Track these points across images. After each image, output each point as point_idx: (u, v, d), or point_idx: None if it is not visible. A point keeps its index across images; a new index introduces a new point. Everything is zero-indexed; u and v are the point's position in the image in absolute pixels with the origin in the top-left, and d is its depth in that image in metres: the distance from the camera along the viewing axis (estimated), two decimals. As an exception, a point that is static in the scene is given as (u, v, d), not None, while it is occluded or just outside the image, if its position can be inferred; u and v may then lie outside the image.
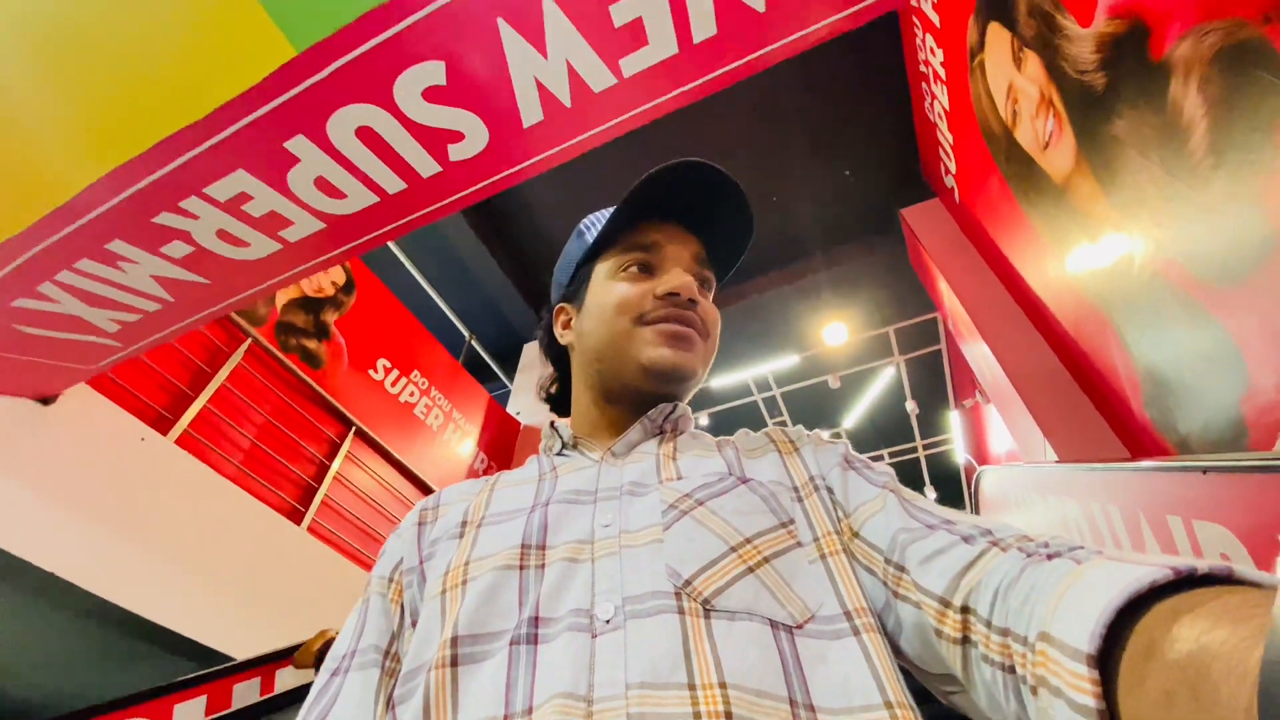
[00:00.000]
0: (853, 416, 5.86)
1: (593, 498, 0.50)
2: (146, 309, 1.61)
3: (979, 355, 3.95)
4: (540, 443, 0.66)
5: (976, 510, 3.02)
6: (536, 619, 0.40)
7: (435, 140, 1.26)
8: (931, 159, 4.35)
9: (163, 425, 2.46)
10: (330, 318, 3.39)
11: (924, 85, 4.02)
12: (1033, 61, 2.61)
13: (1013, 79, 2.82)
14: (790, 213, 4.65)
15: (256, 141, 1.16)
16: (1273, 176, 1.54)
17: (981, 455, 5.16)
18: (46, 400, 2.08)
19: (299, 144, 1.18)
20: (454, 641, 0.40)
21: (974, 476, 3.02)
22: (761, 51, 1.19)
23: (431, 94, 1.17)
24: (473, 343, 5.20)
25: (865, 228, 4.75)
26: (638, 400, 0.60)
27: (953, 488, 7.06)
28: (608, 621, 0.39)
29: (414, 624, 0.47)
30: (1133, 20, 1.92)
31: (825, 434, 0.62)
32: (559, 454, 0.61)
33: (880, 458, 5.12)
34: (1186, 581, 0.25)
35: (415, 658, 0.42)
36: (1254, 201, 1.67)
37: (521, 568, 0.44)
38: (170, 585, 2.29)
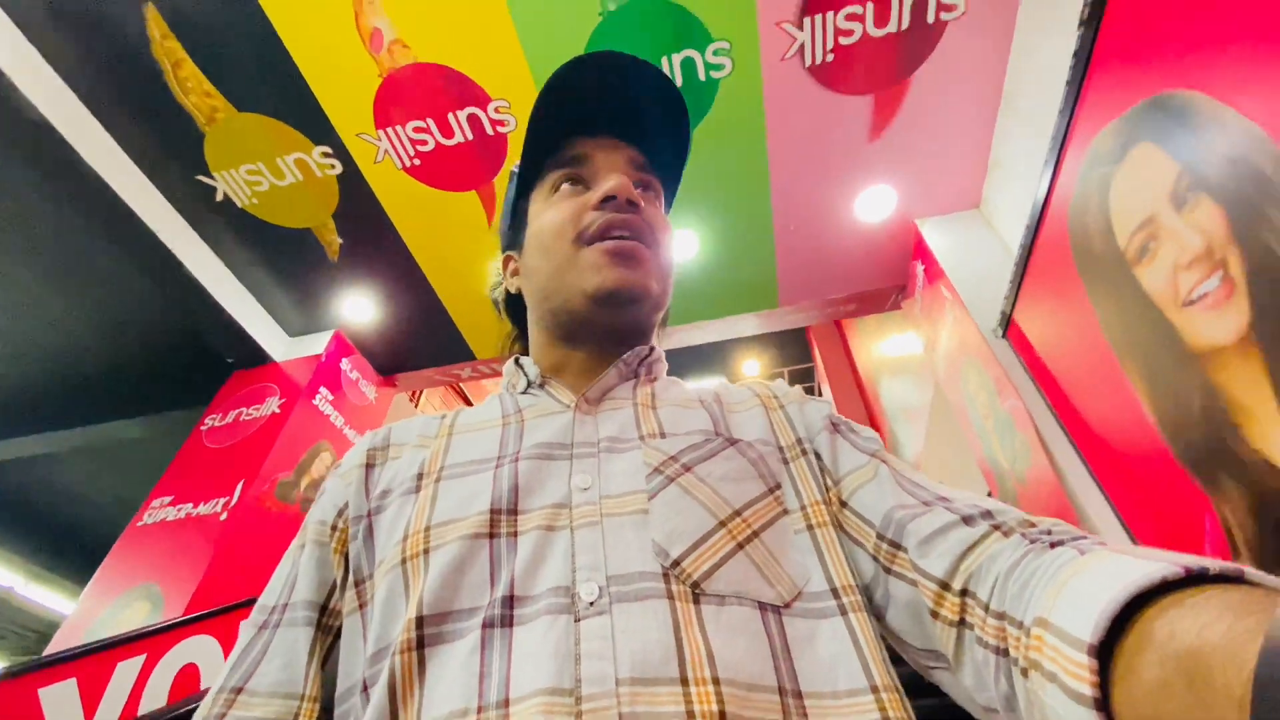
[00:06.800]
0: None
1: (568, 453, 0.46)
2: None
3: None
4: (502, 379, 0.59)
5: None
6: (511, 598, 0.37)
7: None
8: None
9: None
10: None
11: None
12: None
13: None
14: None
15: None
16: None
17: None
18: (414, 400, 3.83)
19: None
20: (419, 622, 0.37)
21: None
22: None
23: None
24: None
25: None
26: (596, 335, 0.55)
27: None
28: (592, 604, 0.36)
29: (356, 582, 0.43)
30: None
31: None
32: (523, 393, 0.55)
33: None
34: (1196, 579, 0.24)
35: (381, 637, 0.39)
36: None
37: (492, 536, 0.40)
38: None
